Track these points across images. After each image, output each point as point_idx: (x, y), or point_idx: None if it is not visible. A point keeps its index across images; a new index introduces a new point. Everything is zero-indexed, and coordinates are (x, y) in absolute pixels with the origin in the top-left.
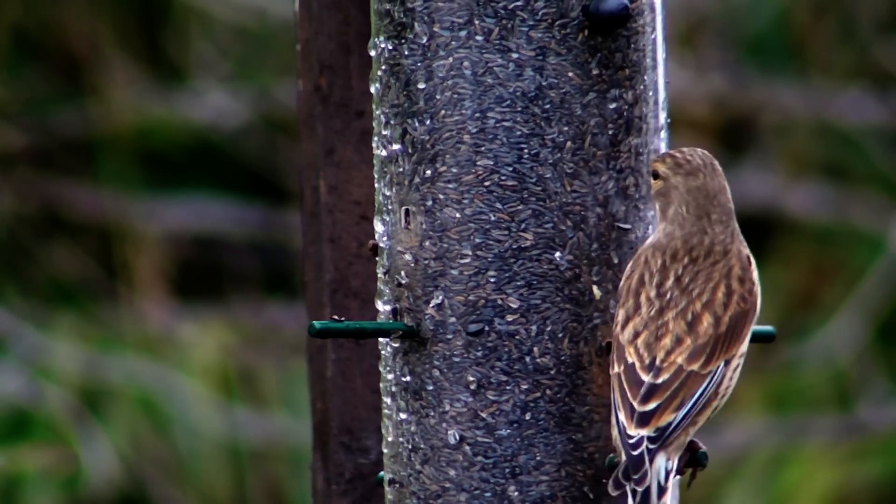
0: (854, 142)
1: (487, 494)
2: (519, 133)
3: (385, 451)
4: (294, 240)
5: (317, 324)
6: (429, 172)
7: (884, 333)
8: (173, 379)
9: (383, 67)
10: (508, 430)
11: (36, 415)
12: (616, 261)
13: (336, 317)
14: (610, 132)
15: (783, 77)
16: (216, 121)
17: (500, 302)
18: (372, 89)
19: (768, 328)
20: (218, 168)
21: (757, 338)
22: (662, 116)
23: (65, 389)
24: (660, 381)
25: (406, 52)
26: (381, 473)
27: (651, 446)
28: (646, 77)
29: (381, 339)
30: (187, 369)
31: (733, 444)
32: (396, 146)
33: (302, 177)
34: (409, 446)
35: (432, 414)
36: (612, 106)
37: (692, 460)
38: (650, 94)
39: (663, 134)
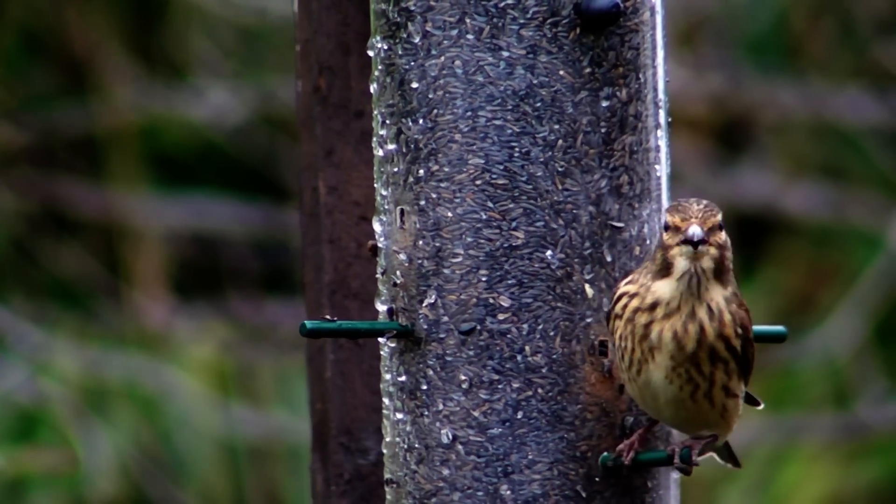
0: (852, 141)
1: (480, 493)
2: (510, 132)
3: (384, 451)
4: (294, 237)
5: (308, 323)
6: (422, 172)
7: (882, 332)
8: (171, 377)
9: (380, 67)
10: (500, 429)
11: (38, 414)
12: (609, 259)
13: (328, 316)
14: (603, 130)
15: (782, 76)
16: (217, 119)
17: (491, 301)
18: (371, 89)
19: (779, 328)
20: (218, 166)
21: (767, 338)
22: (662, 115)
23: (66, 388)
24: None
25: (400, 52)
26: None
27: None
28: (641, 75)
29: (380, 340)
30: (185, 367)
31: (731, 443)
32: (392, 146)
33: (301, 178)
34: (405, 446)
35: (426, 413)
36: (605, 104)
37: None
38: (646, 92)
39: (662, 133)
